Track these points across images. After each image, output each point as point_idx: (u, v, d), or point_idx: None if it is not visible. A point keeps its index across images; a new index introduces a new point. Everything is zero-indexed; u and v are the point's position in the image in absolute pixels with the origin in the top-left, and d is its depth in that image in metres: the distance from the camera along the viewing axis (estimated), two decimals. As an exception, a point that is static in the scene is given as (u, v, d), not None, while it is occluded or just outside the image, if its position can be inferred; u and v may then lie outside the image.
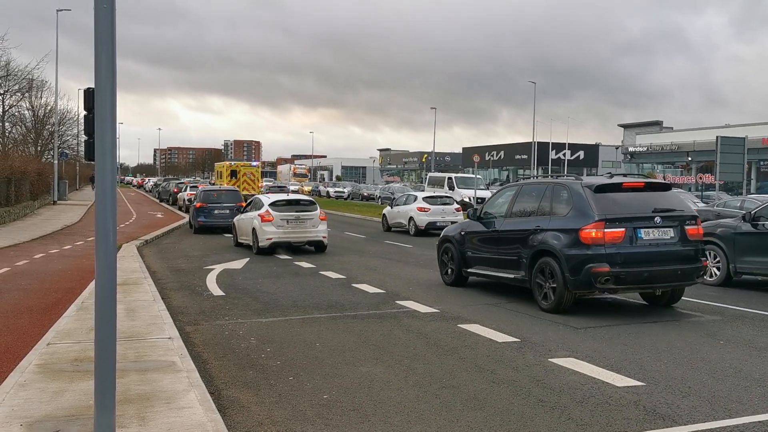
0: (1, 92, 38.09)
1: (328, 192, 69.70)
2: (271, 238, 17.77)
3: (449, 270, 12.40)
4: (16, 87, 39.21)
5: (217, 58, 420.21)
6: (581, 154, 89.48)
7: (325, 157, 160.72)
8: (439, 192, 33.83)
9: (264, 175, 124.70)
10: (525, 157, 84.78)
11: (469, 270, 11.86)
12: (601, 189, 9.63)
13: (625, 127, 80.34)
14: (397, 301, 10.63)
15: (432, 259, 14.13)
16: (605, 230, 9.16)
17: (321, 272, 14.21)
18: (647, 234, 9.37)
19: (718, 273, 12.54)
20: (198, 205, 25.99)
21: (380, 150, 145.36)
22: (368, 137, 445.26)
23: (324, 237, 18.45)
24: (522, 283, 10.44)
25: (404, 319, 9.26)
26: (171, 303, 10.51)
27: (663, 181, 10.53)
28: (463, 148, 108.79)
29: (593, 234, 9.17)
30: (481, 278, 11.86)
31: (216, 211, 25.53)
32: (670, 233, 9.50)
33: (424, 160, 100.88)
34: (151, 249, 20.04)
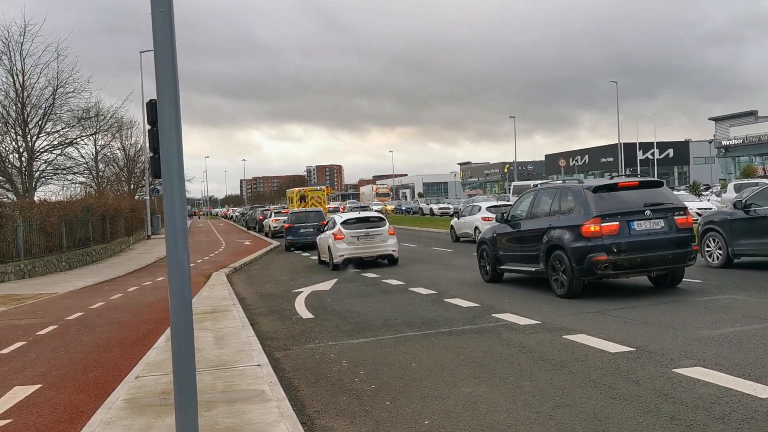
0: (94, 132, 39.78)
1: (431, 209, 63.29)
2: (343, 255, 18.95)
3: (486, 268, 14.03)
4: (106, 127, 40.92)
5: (294, 86, 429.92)
6: (670, 152, 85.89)
7: (405, 175, 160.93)
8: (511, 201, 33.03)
9: (347, 197, 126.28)
10: (611, 159, 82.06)
11: (501, 267, 13.53)
12: (598, 189, 11.09)
13: (717, 120, 76.50)
14: (493, 314, 10.00)
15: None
16: (602, 224, 10.59)
17: (410, 289, 13.73)
18: (639, 225, 10.72)
19: (720, 256, 13.72)
20: (286, 225, 29.88)
21: (460, 164, 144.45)
22: (447, 152, 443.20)
23: (394, 250, 19.40)
24: (541, 275, 11.91)
25: (503, 333, 8.63)
26: (260, 329, 10.25)
27: (655, 179, 12.20)
28: (546, 156, 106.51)
29: (591, 228, 10.63)
30: (512, 274, 13.41)
31: (302, 230, 28.77)
32: (660, 223, 10.81)
33: (506, 170, 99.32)
34: (239, 276, 20.13)
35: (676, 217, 10.90)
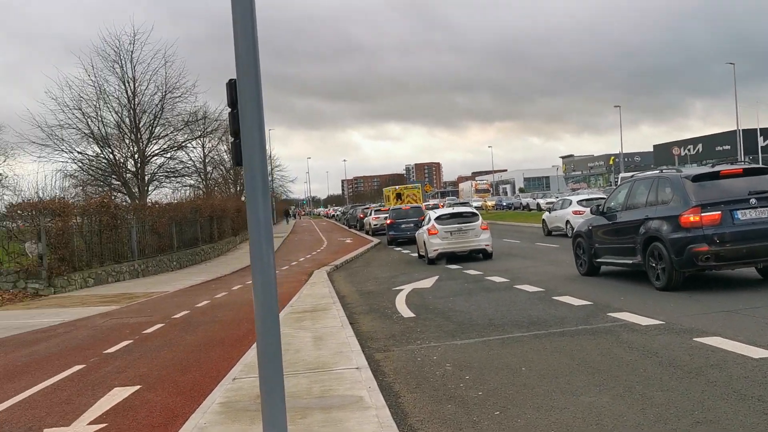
0: (200, 135, 41.08)
1: (538, 204, 59.56)
2: (437, 249, 19.50)
3: (582, 262, 13.84)
4: (212, 129, 42.17)
5: (392, 85, 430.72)
6: (796, 137, 79.69)
7: (505, 170, 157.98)
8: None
9: (446, 194, 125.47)
10: (727, 147, 77.07)
11: (597, 260, 13.26)
12: (698, 178, 10.72)
13: None
14: (609, 313, 9.19)
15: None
16: (702, 214, 10.19)
17: (516, 286, 13.03)
18: (744, 214, 10.20)
19: None
20: (389, 221, 31.38)
21: (563, 157, 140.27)
22: (548, 146, 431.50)
23: (487, 245, 19.69)
24: (638, 267, 11.59)
25: (623, 334, 7.84)
26: (359, 328, 9.90)
27: (762, 166, 11.56)
28: (654, 146, 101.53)
29: (691, 219, 10.26)
30: (609, 266, 13.06)
31: (403, 226, 30.03)
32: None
33: (611, 162, 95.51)
34: (340, 273, 20.01)
35: None
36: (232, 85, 3.69)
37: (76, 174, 35.88)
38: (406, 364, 7.43)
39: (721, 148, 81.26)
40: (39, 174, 73.29)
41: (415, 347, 8.28)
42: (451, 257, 19.70)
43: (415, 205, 36.06)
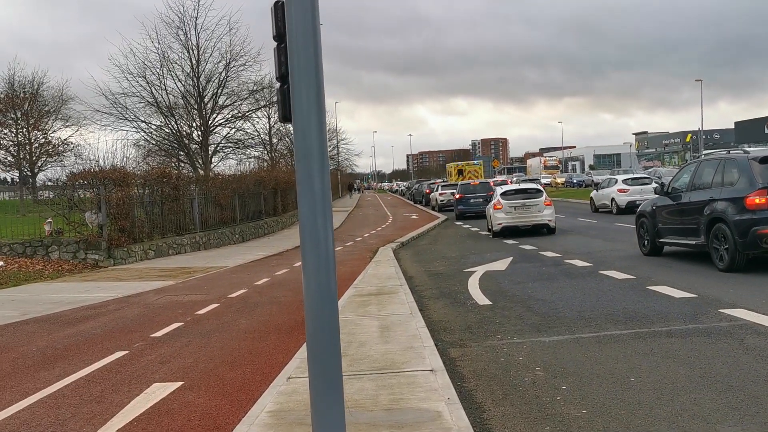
0: (266, 104, 40.40)
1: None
2: (501, 223, 20.51)
3: (645, 241, 13.80)
4: (277, 99, 41.55)
5: (459, 59, 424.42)
6: None
7: (574, 147, 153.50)
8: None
9: (513, 170, 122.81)
10: (816, 124, 72.13)
11: (660, 240, 13.18)
12: (765, 160, 10.54)
13: None
14: (720, 310, 7.89)
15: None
16: None
17: (601, 271, 11.78)
18: None
19: None
20: (458, 196, 31.95)
21: (636, 134, 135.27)
22: (619, 123, 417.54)
23: (550, 220, 20.38)
24: (702, 248, 11.60)
25: (747, 338, 6.56)
26: (430, 316, 8.86)
27: None
28: (736, 123, 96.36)
29: (756, 200, 10.25)
30: (671, 247, 12.98)
31: (472, 200, 30.85)
32: None
33: (688, 140, 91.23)
34: (407, 251, 19.03)
35: None
36: (279, 8, 2.65)
37: (141, 143, 35.81)
38: (487, 365, 6.36)
39: (809, 126, 76.17)
40: (101, 143, 74.06)
41: (495, 343, 7.20)
42: (517, 231, 20.56)
43: (483, 180, 36.38)
